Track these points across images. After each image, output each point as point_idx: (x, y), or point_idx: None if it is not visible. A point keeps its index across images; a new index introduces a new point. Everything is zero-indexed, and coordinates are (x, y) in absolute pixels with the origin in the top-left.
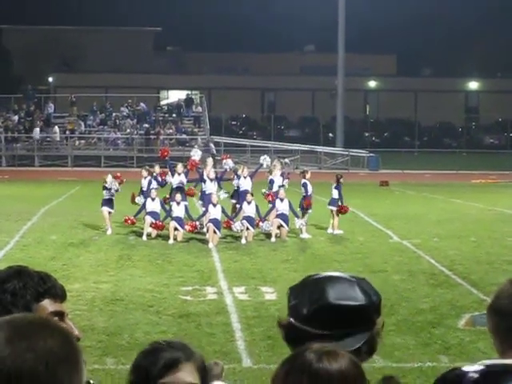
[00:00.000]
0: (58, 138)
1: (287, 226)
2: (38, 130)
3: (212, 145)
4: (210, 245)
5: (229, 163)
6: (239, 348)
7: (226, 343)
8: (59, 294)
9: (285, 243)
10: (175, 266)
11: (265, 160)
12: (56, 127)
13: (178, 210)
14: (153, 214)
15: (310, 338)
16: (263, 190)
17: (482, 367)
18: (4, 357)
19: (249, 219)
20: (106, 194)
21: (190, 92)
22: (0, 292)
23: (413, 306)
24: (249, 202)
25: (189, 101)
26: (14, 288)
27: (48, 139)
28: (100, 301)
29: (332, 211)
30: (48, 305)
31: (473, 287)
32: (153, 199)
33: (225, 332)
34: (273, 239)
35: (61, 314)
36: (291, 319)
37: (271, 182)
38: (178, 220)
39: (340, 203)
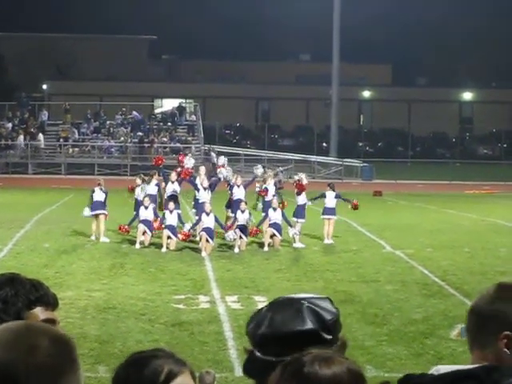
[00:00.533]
0: (42, 146)
1: (280, 235)
2: (21, 137)
3: (213, 154)
4: (203, 253)
5: (223, 172)
6: (231, 357)
7: (218, 352)
8: (51, 302)
9: (278, 252)
10: (168, 274)
11: (257, 169)
12: (40, 134)
13: (171, 219)
14: (146, 222)
15: (264, 366)
16: (257, 187)
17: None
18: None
19: (242, 228)
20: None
21: (183, 100)
22: None
23: (405, 316)
24: (242, 211)
25: (181, 109)
26: (6, 296)
27: (41, 147)
28: (92, 309)
29: (327, 220)
30: (39, 312)
31: (466, 298)
32: (146, 207)
33: (217, 341)
34: (266, 248)
35: (52, 322)
36: (248, 347)
37: (265, 190)
38: (171, 228)
39: (347, 201)
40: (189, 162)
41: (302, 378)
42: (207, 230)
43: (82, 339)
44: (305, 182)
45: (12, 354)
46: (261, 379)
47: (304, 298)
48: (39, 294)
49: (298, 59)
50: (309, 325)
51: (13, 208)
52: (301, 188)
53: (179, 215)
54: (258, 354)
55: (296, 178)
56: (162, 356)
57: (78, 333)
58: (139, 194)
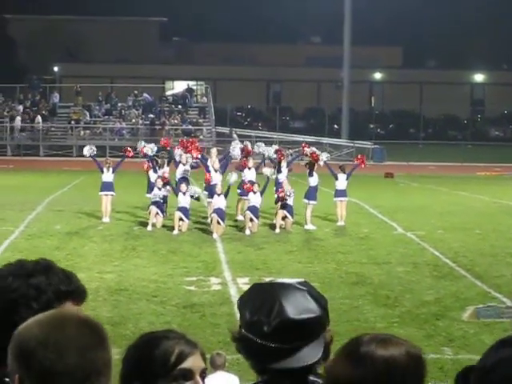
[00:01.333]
0: (40, 127)
1: (292, 217)
2: (39, 118)
3: (235, 136)
4: (215, 235)
5: (233, 177)
6: None
7: (229, 334)
8: (82, 296)
9: (289, 234)
10: (179, 256)
11: (267, 151)
12: (39, 116)
13: (184, 201)
14: (158, 203)
15: (269, 353)
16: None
17: None
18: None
19: (253, 209)
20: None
21: (194, 82)
22: (24, 286)
23: (417, 298)
24: (254, 192)
25: (192, 91)
26: (40, 284)
27: (52, 129)
28: (104, 291)
29: (339, 202)
30: (69, 307)
31: (477, 279)
32: (159, 189)
33: (229, 322)
34: (277, 230)
35: None
36: (250, 335)
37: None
38: (184, 210)
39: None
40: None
41: (357, 358)
42: (218, 212)
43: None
44: (323, 158)
45: (43, 330)
46: (258, 360)
47: (299, 283)
48: (71, 287)
49: (308, 41)
50: (319, 311)
51: (24, 190)
52: (315, 158)
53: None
54: (264, 342)
55: (310, 149)
56: (173, 337)
57: (89, 315)
58: (152, 176)
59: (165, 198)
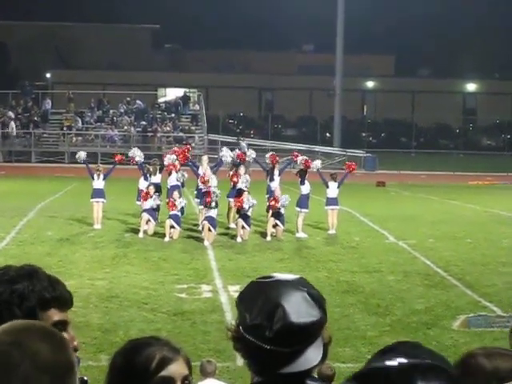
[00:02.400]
0: (14, 134)
1: (283, 224)
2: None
3: (244, 144)
4: (206, 243)
5: (247, 178)
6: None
7: (220, 341)
8: (67, 303)
9: (280, 242)
10: (171, 263)
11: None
12: (12, 122)
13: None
14: (149, 211)
15: (270, 356)
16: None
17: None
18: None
19: (245, 217)
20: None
21: (187, 90)
22: (8, 292)
23: (408, 307)
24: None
25: (185, 98)
26: (23, 290)
27: (44, 135)
28: (95, 297)
29: (330, 211)
30: (54, 314)
31: (468, 288)
32: (150, 196)
33: (219, 330)
34: (268, 238)
35: (65, 323)
36: (250, 338)
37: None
38: (175, 218)
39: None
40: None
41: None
42: (210, 219)
43: (84, 328)
44: (316, 165)
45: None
46: (257, 361)
47: (297, 282)
48: (55, 294)
49: (301, 49)
50: (319, 314)
51: (16, 196)
52: (307, 165)
53: (182, 206)
54: (266, 346)
55: (302, 158)
56: (156, 343)
57: (80, 321)
58: (141, 183)
59: (157, 206)
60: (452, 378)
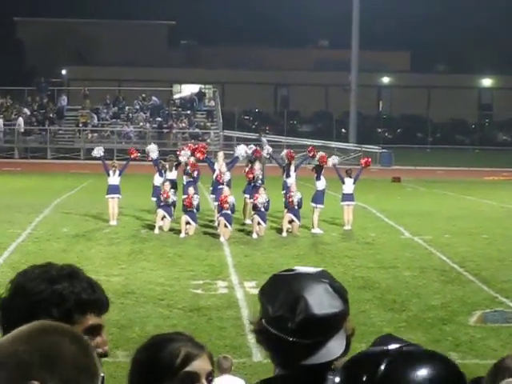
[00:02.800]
0: (21, 130)
1: (299, 220)
2: (1, 121)
3: (264, 139)
4: (222, 239)
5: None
6: (249, 342)
7: (236, 337)
8: (104, 307)
9: (296, 238)
10: (186, 259)
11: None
12: (20, 118)
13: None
14: (165, 207)
15: (292, 347)
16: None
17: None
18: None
19: (260, 214)
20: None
21: (202, 86)
22: (49, 292)
23: (424, 303)
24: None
25: (201, 95)
26: (63, 291)
27: (60, 132)
28: (111, 294)
29: (346, 206)
30: (90, 317)
31: (484, 284)
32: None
33: (235, 326)
34: (284, 234)
35: (100, 328)
36: (272, 330)
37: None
38: (191, 214)
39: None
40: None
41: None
42: (225, 216)
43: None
44: (332, 161)
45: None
46: (280, 354)
47: (319, 274)
48: (94, 297)
49: (317, 45)
50: (342, 305)
51: (31, 193)
52: (323, 160)
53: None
54: (288, 337)
55: (319, 154)
56: (180, 339)
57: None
58: (157, 180)
59: (173, 202)
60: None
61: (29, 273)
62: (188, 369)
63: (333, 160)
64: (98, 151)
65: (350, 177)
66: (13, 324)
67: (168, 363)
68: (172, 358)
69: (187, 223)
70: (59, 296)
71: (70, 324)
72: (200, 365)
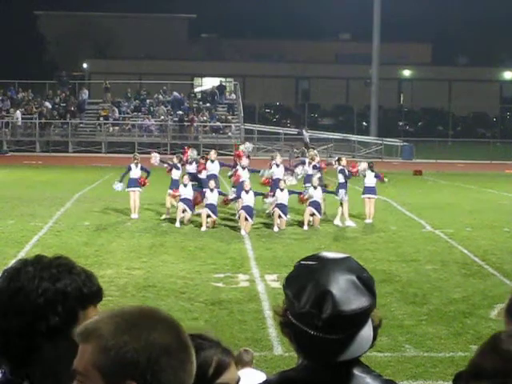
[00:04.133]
0: (19, 123)
1: (320, 214)
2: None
3: (305, 132)
4: (243, 232)
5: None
6: (271, 335)
7: (257, 330)
8: (101, 297)
9: (317, 231)
10: (207, 253)
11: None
12: (18, 111)
13: (212, 197)
14: (185, 200)
15: (318, 342)
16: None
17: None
18: (110, 346)
19: (281, 207)
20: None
21: (223, 79)
22: (52, 291)
23: (445, 296)
24: (282, 190)
25: (222, 88)
26: (66, 287)
27: (81, 125)
28: (132, 287)
29: (367, 199)
30: (92, 310)
31: (506, 277)
32: (185, 185)
33: (256, 319)
34: (305, 227)
35: None
36: (299, 324)
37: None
38: (211, 207)
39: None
40: (192, 153)
41: (498, 354)
42: (246, 209)
43: None
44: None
45: (117, 342)
46: (305, 347)
47: (348, 266)
48: (93, 289)
49: (337, 38)
50: (369, 299)
51: (53, 186)
52: (354, 174)
53: (220, 193)
54: (315, 333)
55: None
56: (209, 346)
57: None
58: (175, 174)
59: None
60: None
61: (23, 271)
62: (219, 381)
63: (362, 168)
64: (117, 188)
65: (372, 170)
66: (13, 331)
67: (200, 374)
68: (204, 368)
69: (208, 216)
70: (63, 294)
71: (75, 319)
72: (231, 375)
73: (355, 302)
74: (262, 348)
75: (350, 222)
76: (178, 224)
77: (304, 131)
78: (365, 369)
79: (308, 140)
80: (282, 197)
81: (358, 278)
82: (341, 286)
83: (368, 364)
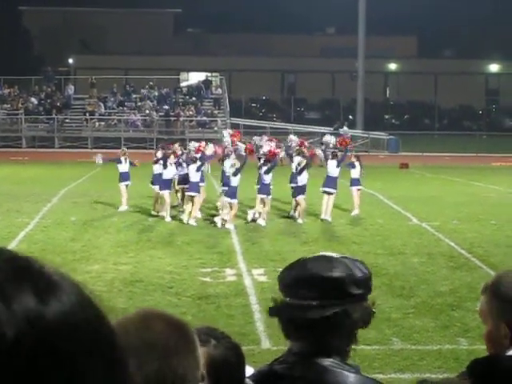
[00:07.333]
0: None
1: (335, 189)
2: None
3: (347, 129)
4: (230, 226)
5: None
6: (258, 329)
7: (245, 325)
8: None
9: (304, 225)
10: (194, 247)
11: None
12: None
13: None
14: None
15: (291, 310)
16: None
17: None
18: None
19: (264, 187)
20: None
21: (209, 74)
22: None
23: (432, 289)
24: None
25: (208, 82)
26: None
27: (67, 120)
28: (119, 282)
29: (355, 191)
30: None
31: (492, 270)
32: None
33: (244, 314)
34: (300, 220)
35: None
36: (296, 301)
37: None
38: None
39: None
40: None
41: (499, 296)
42: (229, 191)
43: (108, 313)
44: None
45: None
46: (284, 320)
47: (344, 256)
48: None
49: (323, 32)
50: (337, 273)
51: (39, 182)
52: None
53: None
54: (286, 299)
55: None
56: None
57: (104, 306)
58: (157, 169)
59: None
60: None
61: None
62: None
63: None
64: (98, 159)
65: (359, 162)
66: None
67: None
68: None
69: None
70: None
71: None
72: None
73: (323, 270)
74: (249, 342)
75: (327, 216)
76: (168, 218)
77: (345, 126)
78: (341, 363)
79: (349, 135)
80: (301, 179)
81: (340, 261)
82: (317, 259)
83: (355, 357)
